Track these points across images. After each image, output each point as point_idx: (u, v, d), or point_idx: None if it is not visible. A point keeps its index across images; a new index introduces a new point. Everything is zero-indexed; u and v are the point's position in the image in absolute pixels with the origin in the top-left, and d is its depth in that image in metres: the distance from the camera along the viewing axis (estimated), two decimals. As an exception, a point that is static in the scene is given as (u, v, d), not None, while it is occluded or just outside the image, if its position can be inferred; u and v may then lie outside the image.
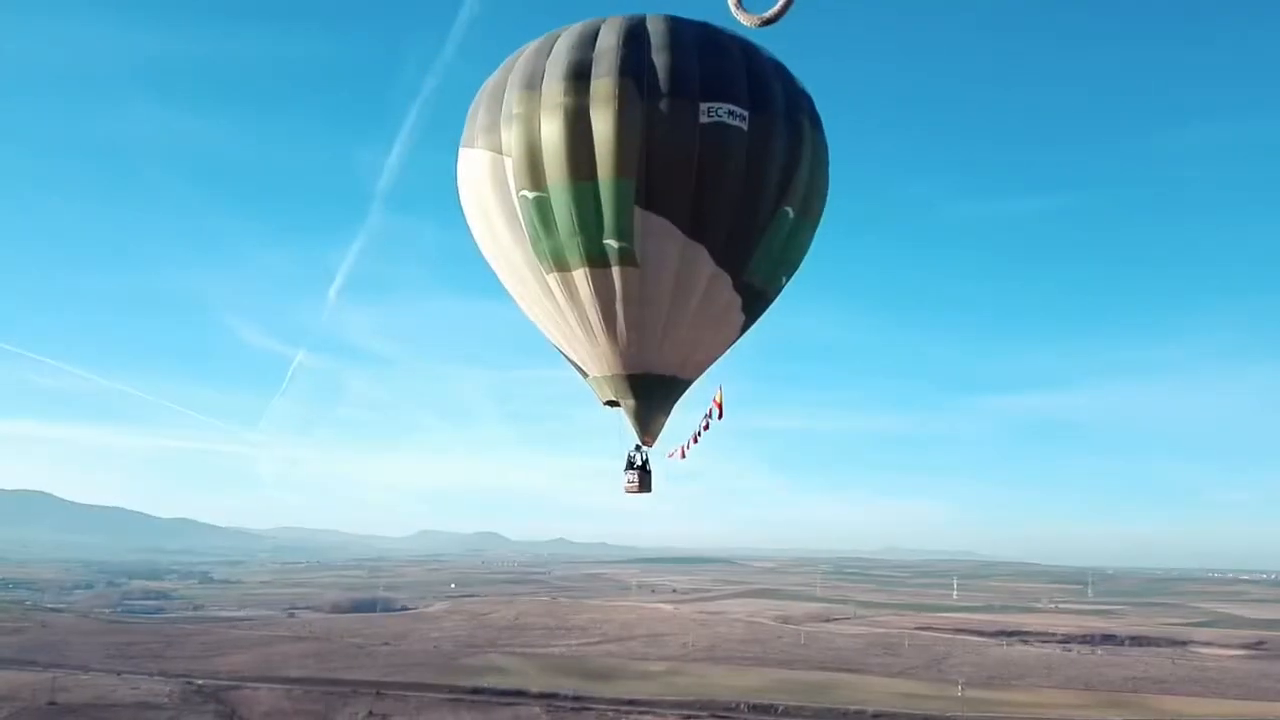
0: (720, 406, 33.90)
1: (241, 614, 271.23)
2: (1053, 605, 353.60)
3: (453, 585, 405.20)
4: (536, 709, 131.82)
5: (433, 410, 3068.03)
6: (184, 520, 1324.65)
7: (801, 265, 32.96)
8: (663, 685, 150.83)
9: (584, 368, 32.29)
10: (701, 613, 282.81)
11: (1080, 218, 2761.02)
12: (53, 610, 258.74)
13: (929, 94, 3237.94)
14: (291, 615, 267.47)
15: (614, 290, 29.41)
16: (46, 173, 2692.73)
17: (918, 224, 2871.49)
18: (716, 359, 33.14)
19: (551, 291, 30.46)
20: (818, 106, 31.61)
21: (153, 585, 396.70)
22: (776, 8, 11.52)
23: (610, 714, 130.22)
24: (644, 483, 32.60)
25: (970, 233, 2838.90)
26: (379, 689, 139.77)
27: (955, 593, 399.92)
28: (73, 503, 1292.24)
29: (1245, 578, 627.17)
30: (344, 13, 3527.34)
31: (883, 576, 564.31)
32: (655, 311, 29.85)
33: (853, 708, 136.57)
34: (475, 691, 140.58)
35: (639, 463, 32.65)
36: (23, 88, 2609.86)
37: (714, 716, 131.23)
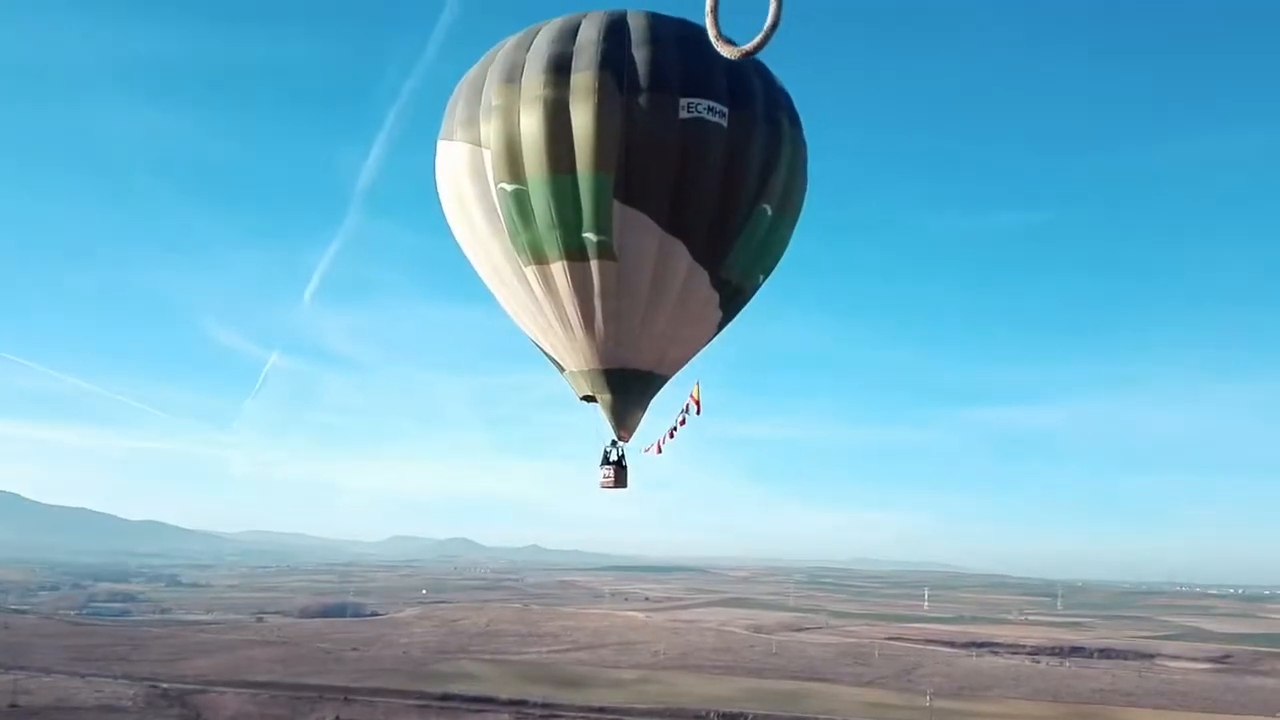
0: (698, 402, 33.58)
1: (209, 618, 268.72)
2: (1022, 617, 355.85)
3: (424, 591, 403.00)
4: (505, 716, 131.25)
5: (407, 415, 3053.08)
6: (152, 523, 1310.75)
7: (779, 265, 32.92)
8: (633, 693, 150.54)
9: (561, 362, 32.05)
10: (673, 621, 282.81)
11: (1058, 233, 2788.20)
12: (16, 612, 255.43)
13: (913, 106, 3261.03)
14: (260, 619, 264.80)
15: (592, 284, 29.21)
16: (20, 171, 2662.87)
17: (898, 236, 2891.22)
18: (694, 356, 32.96)
19: (529, 285, 30.23)
20: (801, 113, 31.59)
21: (119, 588, 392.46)
22: (757, 40, 11.63)
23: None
24: (619, 478, 32.35)
25: (949, 246, 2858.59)
26: (346, 694, 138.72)
27: (926, 603, 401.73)
28: (40, 503, 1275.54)
29: (1213, 592, 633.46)
30: (324, 14, 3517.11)
31: (855, 587, 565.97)
32: (633, 306, 29.67)
33: (822, 716, 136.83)
34: (444, 698, 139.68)
35: (614, 458, 32.40)
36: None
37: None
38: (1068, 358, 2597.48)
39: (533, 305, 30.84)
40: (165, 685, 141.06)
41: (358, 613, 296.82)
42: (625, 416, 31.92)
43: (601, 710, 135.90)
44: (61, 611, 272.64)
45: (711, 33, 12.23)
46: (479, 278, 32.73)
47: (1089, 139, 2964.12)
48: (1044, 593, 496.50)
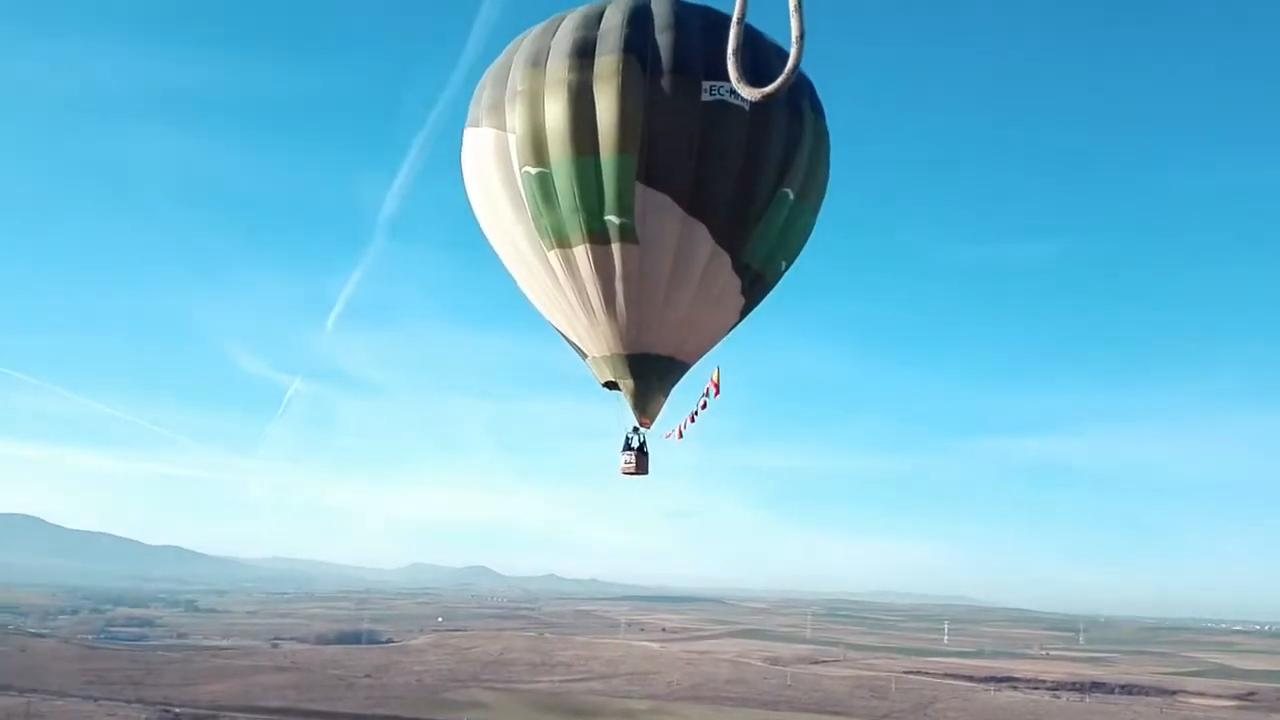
0: (717, 386, 33.15)
1: (225, 643, 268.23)
2: (1044, 652, 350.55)
3: (440, 619, 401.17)
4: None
5: (427, 441, 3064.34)
6: (172, 547, 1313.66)
7: (800, 254, 32.57)
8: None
9: (583, 348, 31.78)
10: (688, 652, 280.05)
11: (1079, 263, 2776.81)
12: (34, 635, 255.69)
13: (932, 135, 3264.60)
14: (275, 645, 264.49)
15: (614, 267, 29.03)
16: (45, 192, 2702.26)
17: (916, 265, 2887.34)
18: (716, 343, 32.66)
19: (552, 269, 30.06)
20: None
21: (137, 612, 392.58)
22: (778, 82, 11.90)
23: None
24: (641, 464, 32.00)
25: (968, 274, 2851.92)
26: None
27: (946, 637, 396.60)
28: (60, 527, 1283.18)
29: (1239, 628, 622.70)
30: (350, 41, 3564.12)
31: (874, 619, 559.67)
32: (655, 289, 29.46)
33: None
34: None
35: (636, 444, 32.08)
36: (26, 107, 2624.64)
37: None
38: (1092, 388, 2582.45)
39: (555, 290, 30.65)
40: (178, 710, 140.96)
41: (373, 640, 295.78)
42: (647, 403, 31.59)
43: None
44: (79, 635, 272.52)
45: (733, 75, 12.43)
46: (505, 268, 32.45)
47: (1113, 167, 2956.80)
48: (1067, 628, 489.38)
